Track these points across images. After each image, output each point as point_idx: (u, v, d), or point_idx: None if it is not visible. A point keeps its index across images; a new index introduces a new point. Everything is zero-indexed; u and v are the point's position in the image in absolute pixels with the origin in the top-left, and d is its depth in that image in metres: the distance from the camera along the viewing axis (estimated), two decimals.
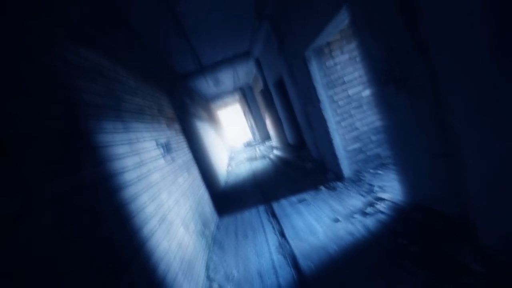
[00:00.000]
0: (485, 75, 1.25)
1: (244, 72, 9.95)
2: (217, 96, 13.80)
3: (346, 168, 3.99)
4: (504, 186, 1.37)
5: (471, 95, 1.37)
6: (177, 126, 4.31)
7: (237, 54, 7.56)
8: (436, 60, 1.50)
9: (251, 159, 10.53)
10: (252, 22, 5.40)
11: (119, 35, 3.05)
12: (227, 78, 10.04)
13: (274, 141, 10.48)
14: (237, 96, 15.87)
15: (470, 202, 1.64)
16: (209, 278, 2.78)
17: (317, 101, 3.88)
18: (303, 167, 5.39)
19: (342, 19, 2.58)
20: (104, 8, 2.88)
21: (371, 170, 3.84)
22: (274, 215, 3.83)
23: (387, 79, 2.18)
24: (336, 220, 2.92)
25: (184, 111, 5.46)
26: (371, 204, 2.92)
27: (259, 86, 9.74)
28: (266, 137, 13.76)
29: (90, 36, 2.30)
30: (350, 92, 3.82)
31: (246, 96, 13.83)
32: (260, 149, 11.94)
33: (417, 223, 2.21)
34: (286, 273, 2.42)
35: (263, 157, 9.77)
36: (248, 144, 17.23)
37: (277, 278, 2.40)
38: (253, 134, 17.71)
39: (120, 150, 2.04)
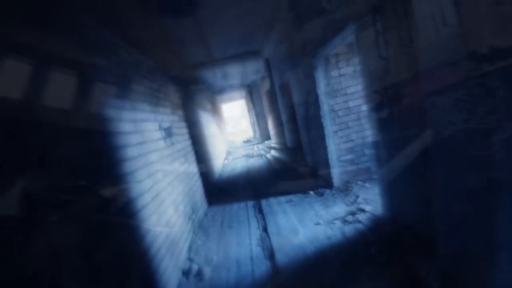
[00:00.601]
0: None
1: (253, 70, 10.06)
2: (223, 90, 13.90)
3: (336, 177, 4.14)
4: (468, 215, 1.51)
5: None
6: (180, 112, 4.45)
7: (248, 51, 7.66)
8: None
9: (248, 156, 10.68)
10: (266, 23, 5.52)
11: (135, 16, 3.18)
12: (235, 73, 10.15)
13: (273, 141, 10.63)
14: (243, 93, 15.99)
15: (436, 222, 1.79)
16: (189, 258, 2.93)
17: (318, 108, 4.02)
18: (297, 170, 5.54)
19: (348, 35, 2.72)
20: None
21: (359, 182, 3.99)
22: (261, 211, 3.98)
23: (382, 99, 2.33)
24: (318, 224, 3.07)
25: (189, 99, 5.59)
26: (352, 214, 3.07)
27: (266, 86, 9.86)
28: (266, 136, 13.88)
29: (107, 15, 2.43)
30: (351, 104, 3.97)
31: (252, 94, 13.95)
32: (259, 148, 12.09)
33: (389, 236, 2.36)
34: (262, 264, 2.57)
35: (260, 155, 9.92)
36: (248, 141, 17.37)
37: (253, 267, 2.55)
38: (254, 132, 17.84)
39: (126, 127, 2.18)
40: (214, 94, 13.58)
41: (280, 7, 4.33)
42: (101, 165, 1.71)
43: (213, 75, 9.32)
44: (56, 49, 1.53)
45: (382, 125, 2.42)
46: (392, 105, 2.21)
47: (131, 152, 2.14)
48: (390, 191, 2.62)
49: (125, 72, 2.48)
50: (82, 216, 1.50)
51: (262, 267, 2.52)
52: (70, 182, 1.40)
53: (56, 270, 1.26)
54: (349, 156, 4.09)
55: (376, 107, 2.45)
